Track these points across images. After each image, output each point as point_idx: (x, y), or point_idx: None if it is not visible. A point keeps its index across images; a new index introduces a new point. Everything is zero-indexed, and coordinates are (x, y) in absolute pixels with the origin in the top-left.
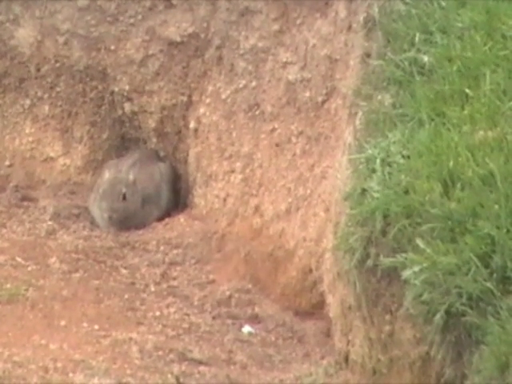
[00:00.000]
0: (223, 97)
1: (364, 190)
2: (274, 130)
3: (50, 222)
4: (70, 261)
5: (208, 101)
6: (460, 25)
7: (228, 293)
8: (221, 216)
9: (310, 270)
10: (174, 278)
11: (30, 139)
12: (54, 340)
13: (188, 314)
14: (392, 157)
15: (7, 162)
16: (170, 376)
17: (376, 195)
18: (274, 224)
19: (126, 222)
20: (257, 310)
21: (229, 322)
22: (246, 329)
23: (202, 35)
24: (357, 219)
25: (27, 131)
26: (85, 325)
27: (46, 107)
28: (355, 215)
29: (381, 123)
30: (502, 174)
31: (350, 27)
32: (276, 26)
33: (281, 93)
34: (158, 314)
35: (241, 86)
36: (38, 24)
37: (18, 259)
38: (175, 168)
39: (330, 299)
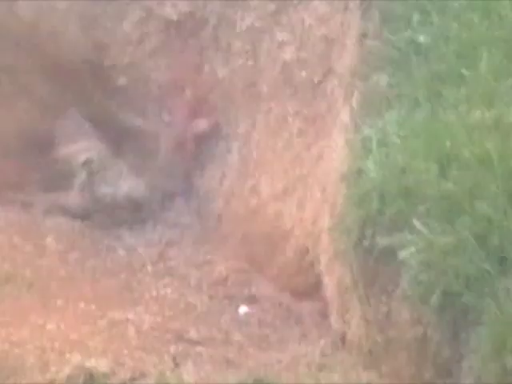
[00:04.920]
0: (220, 76)
1: (360, 171)
2: (270, 109)
3: None
4: (66, 241)
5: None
6: (457, 5)
7: (225, 273)
8: (218, 196)
9: (307, 251)
10: (171, 259)
11: (27, 119)
12: (51, 320)
13: (185, 295)
14: (388, 137)
15: None
16: (166, 356)
17: (372, 175)
18: (271, 204)
19: None
20: (253, 290)
21: (225, 302)
22: (243, 309)
23: (199, 15)
24: (353, 199)
25: (23, 109)
26: (81, 305)
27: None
28: (352, 195)
29: (377, 103)
30: (499, 154)
31: (346, 7)
32: (272, 6)
33: (277, 73)
34: (154, 294)
35: (237, 65)
36: (36, 3)
37: (15, 239)
38: None
39: (326, 280)
